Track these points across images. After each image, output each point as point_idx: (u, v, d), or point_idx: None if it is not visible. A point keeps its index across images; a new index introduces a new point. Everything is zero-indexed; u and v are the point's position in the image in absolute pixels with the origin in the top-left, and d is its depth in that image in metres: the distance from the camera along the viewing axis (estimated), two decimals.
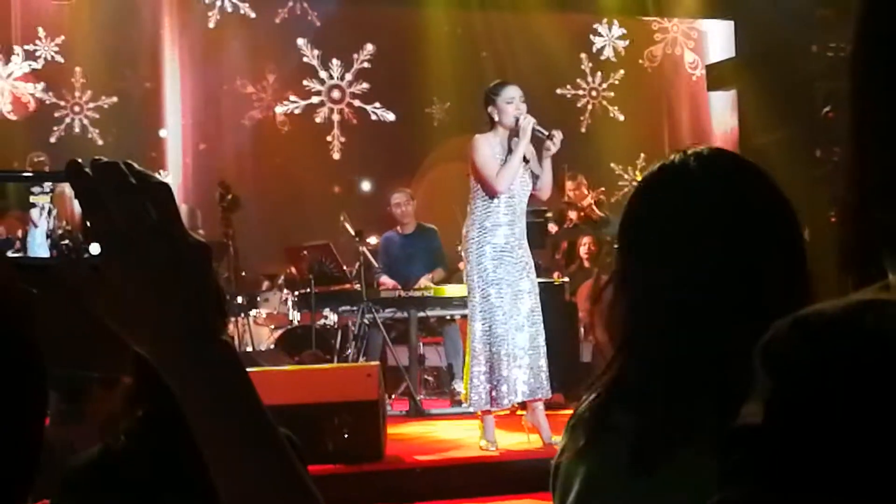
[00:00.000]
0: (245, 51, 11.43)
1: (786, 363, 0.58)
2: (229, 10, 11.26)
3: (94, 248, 0.73)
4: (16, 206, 0.80)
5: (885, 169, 0.63)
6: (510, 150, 5.59)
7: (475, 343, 5.60)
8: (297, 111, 11.63)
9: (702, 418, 1.10)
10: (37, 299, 0.76)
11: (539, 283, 5.93)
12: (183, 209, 7.75)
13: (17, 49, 10.53)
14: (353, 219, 8.58)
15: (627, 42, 12.47)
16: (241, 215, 8.33)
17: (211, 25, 11.22)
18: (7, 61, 10.52)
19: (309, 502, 0.76)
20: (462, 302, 6.08)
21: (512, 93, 5.62)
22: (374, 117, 11.78)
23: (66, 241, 0.77)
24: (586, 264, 9.03)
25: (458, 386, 7.34)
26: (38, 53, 10.61)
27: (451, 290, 7.48)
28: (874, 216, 0.63)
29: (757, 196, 1.31)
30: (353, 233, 8.17)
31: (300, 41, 11.58)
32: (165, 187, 0.75)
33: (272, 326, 9.17)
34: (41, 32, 10.62)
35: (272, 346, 8.57)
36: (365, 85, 11.74)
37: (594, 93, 12.44)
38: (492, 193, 5.58)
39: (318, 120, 11.69)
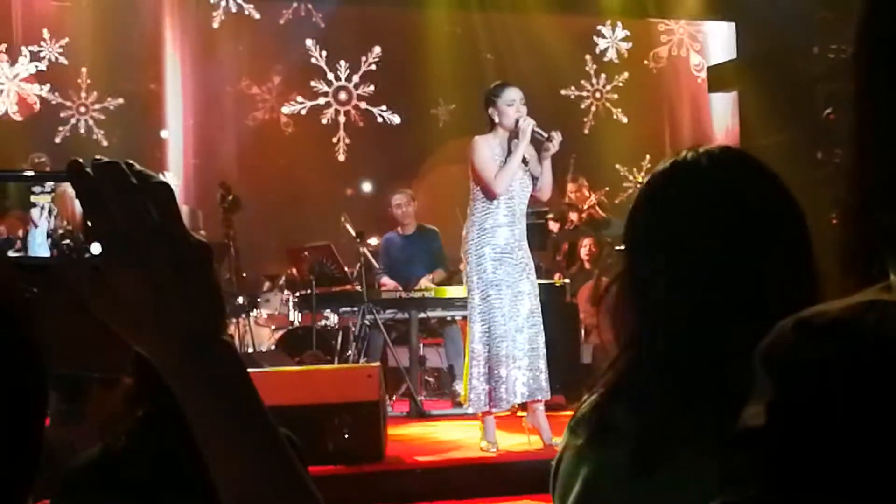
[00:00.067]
0: (249, 52, 11.45)
1: (787, 364, 0.58)
2: (234, 10, 11.27)
3: (95, 248, 0.73)
4: (17, 206, 0.80)
5: (886, 170, 0.63)
6: (510, 152, 5.59)
7: (474, 344, 5.61)
8: (302, 112, 11.63)
9: (704, 419, 1.10)
10: (37, 299, 0.76)
11: (540, 284, 5.93)
12: (184, 210, 7.74)
13: (24, 50, 10.55)
14: (354, 220, 8.59)
15: (630, 44, 12.46)
16: (242, 216, 8.33)
17: (215, 26, 11.23)
18: (13, 62, 10.54)
19: (309, 503, 0.76)
20: (463, 303, 6.08)
21: (512, 95, 5.62)
22: (380, 119, 11.79)
23: (67, 241, 0.77)
24: (587, 266, 9.03)
25: (459, 387, 7.34)
26: (42, 55, 10.62)
27: (452, 291, 7.47)
28: (875, 217, 0.63)
29: (767, 196, 1.31)
30: (353, 234, 8.17)
31: (308, 42, 11.59)
32: (166, 187, 0.75)
33: (273, 327, 9.18)
34: (46, 34, 10.63)
35: (273, 347, 8.57)
36: (371, 87, 11.74)
37: (598, 94, 12.45)
38: (490, 195, 5.58)
39: (323, 121, 11.69)
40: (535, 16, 11.46)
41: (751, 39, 10.93)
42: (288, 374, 5.87)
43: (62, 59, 10.67)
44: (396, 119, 11.81)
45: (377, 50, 11.73)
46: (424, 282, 7.92)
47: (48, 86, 10.65)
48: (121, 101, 10.88)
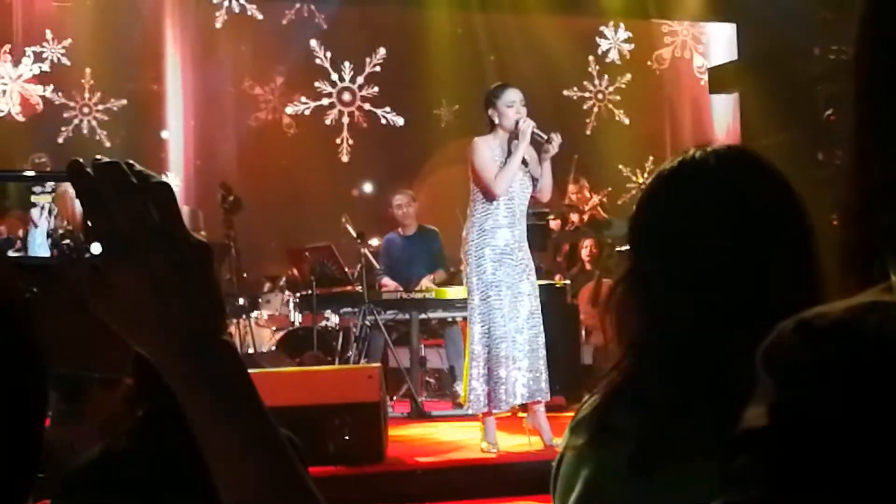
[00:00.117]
0: (251, 52, 11.45)
1: (789, 366, 0.58)
2: (236, 10, 11.27)
3: (95, 248, 0.73)
4: (17, 206, 0.80)
5: (887, 171, 0.63)
6: (510, 153, 5.59)
7: (474, 345, 5.61)
8: (305, 112, 11.63)
9: (705, 419, 1.10)
10: (37, 299, 0.76)
11: (540, 285, 5.93)
12: (184, 210, 7.75)
13: (28, 51, 10.56)
14: (355, 220, 8.59)
15: (633, 46, 12.46)
16: (242, 217, 8.33)
17: (218, 26, 11.23)
18: (17, 63, 10.55)
19: (310, 503, 0.76)
20: (463, 304, 6.08)
21: (512, 96, 5.62)
22: (384, 121, 11.79)
23: (67, 241, 0.77)
24: (588, 267, 9.03)
25: (460, 388, 7.34)
26: (44, 55, 10.63)
27: (453, 292, 7.47)
28: (876, 218, 0.63)
29: (773, 196, 1.30)
30: (354, 234, 8.17)
31: (313, 42, 11.60)
32: (166, 187, 0.75)
33: (273, 328, 9.18)
34: (48, 35, 10.64)
35: (273, 348, 8.57)
36: (375, 89, 11.75)
37: (600, 95, 12.45)
38: (490, 196, 5.58)
39: (327, 122, 11.70)
40: (538, 17, 11.48)
41: (751, 40, 10.93)
42: (288, 374, 5.87)
43: (64, 60, 10.68)
44: (400, 121, 11.81)
45: (382, 51, 11.73)
46: (425, 282, 7.92)
47: (51, 86, 10.66)
48: (124, 102, 10.90)
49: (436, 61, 11.50)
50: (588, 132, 12.29)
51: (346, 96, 11.76)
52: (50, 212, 0.78)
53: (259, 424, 0.75)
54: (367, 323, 7.63)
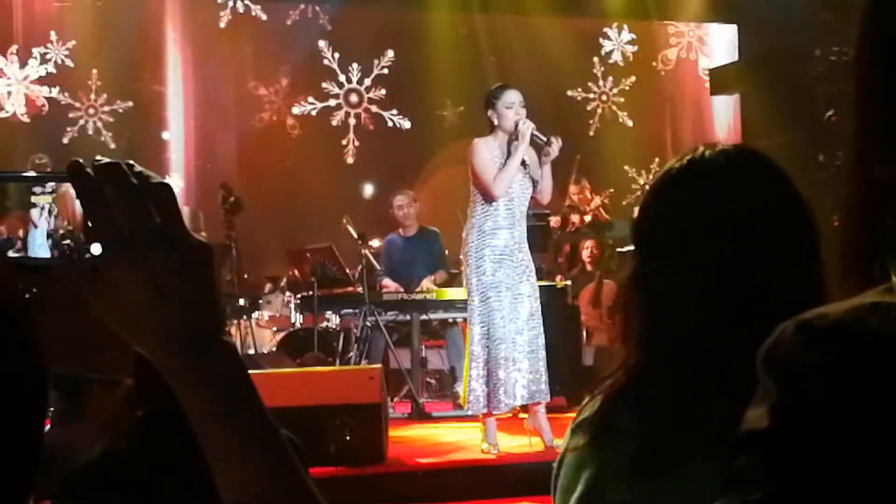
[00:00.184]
0: (256, 53, 11.45)
1: (790, 367, 0.57)
2: (241, 10, 11.28)
3: (96, 249, 0.73)
4: (17, 206, 0.80)
5: (888, 171, 0.63)
6: (510, 154, 5.58)
7: (474, 346, 5.60)
8: (312, 113, 11.63)
9: (708, 421, 1.09)
10: (37, 300, 0.76)
11: (541, 286, 5.92)
12: (185, 211, 7.76)
13: (35, 52, 10.58)
14: (357, 221, 8.59)
15: (636, 48, 12.46)
16: (243, 217, 8.33)
17: (222, 25, 11.24)
18: (23, 64, 10.57)
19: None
20: (464, 305, 6.08)
21: (512, 97, 5.61)
22: (390, 124, 11.80)
23: (68, 242, 0.77)
24: (589, 268, 9.03)
25: (460, 389, 7.34)
26: (48, 56, 10.64)
27: (454, 293, 7.47)
28: (877, 219, 0.63)
29: (780, 197, 1.30)
30: (355, 235, 8.17)
31: (321, 43, 11.60)
32: (167, 188, 0.75)
33: (274, 329, 9.18)
34: (53, 36, 10.65)
35: (274, 349, 8.57)
36: (382, 91, 11.75)
37: (604, 97, 12.45)
38: (489, 197, 5.58)
39: (334, 123, 11.70)
40: (542, 19, 11.49)
41: (752, 41, 10.94)
42: (289, 375, 5.87)
43: (68, 62, 10.69)
44: (407, 124, 11.82)
45: (390, 54, 11.73)
46: (426, 283, 7.92)
47: (57, 88, 10.68)
48: (130, 104, 10.92)
49: (441, 62, 11.50)
50: (591, 133, 12.29)
51: (354, 98, 11.76)
52: (50, 212, 0.78)
53: (259, 425, 0.75)
54: (368, 324, 7.63)
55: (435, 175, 10.56)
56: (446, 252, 8.31)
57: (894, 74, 0.64)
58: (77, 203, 0.74)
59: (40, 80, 10.62)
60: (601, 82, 12.43)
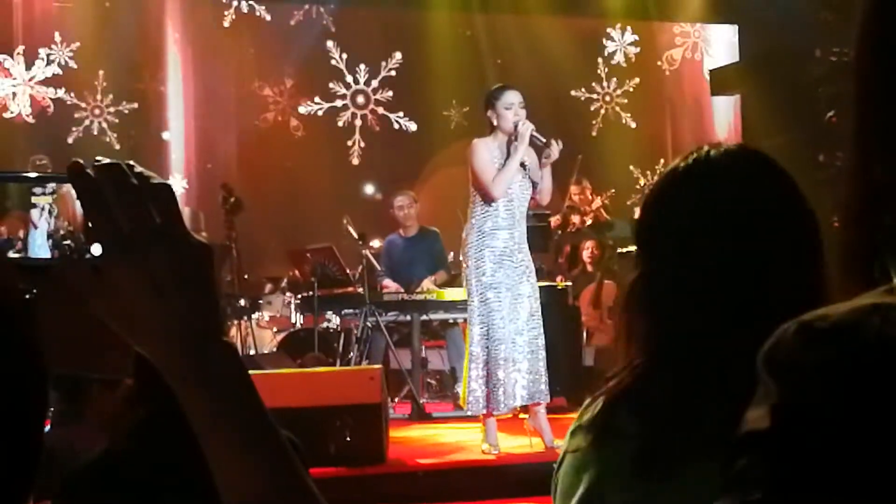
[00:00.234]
0: (259, 53, 11.45)
1: (790, 367, 0.57)
2: (245, 10, 11.27)
3: (96, 249, 0.73)
4: (17, 207, 0.80)
5: (889, 172, 0.63)
6: (509, 155, 5.58)
7: (473, 347, 5.60)
8: (318, 113, 11.63)
9: (710, 422, 1.09)
10: (37, 300, 0.76)
11: (542, 287, 5.92)
12: (185, 212, 7.78)
13: (41, 52, 10.59)
14: (358, 222, 8.59)
15: (639, 49, 12.45)
16: (244, 218, 8.33)
17: (226, 25, 11.24)
18: (30, 66, 10.58)
19: None
20: (464, 305, 6.09)
21: (511, 98, 5.61)
22: (396, 126, 11.79)
23: (68, 242, 0.77)
24: (589, 268, 9.03)
25: (461, 389, 7.34)
26: (53, 58, 10.65)
27: (454, 294, 7.47)
28: (878, 219, 0.63)
29: (783, 198, 1.29)
30: (356, 236, 8.17)
31: (329, 43, 11.60)
32: (167, 188, 0.75)
33: (275, 329, 9.18)
34: (57, 37, 10.66)
35: (274, 349, 8.57)
36: (390, 93, 11.75)
37: (608, 97, 12.45)
38: (488, 198, 5.58)
39: (339, 124, 11.70)
40: (546, 19, 11.51)
41: (753, 42, 10.94)
42: (290, 376, 5.87)
43: (72, 63, 10.70)
44: (413, 126, 11.82)
45: (398, 56, 11.73)
46: (426, 284, 7.92)
47: (62, 89, 10.70)
48: (135, 105, 10.94)
49: (446, 63, 11.51)
50: (594, 133, 12.29)
51: (360, 99, 11.76)
52: (50, 213, 0.78)
53: (259, 425, 0.75)
54: (369, 324, 7.63)
55: (436, 175, 10.56)
56: (449, 253, 8.31)
57: (894, 75, 0.64)
58: (77, 204, 0.74)
59: (45, 81, 10.64)
60: (605, 83, 12.44)
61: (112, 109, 10.91)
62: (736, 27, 11.85)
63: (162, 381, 0.74)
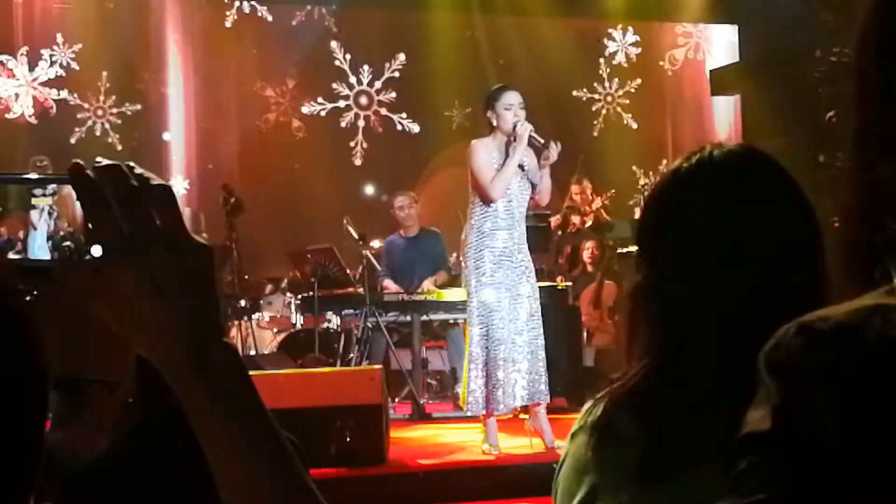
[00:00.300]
0: (263, 54, 11.45)
1: (791, 369, 0.57)
2: (247, 10, 11.28)
3: (96, 251, 0.73)
4: (18, 208, 0.80)
5: (889, 173, 0.63)
6: (508, 156, 5.58)
7: (473, 347, 5.60)
8: (318, 114, 11.62)
9: (714, 425, 1.09)
10: (38, 301, 0.76)
11: (542, 287, 5.92)
12: (186, 213, 7.77)
13: (44, 54, 10.60)
14: (363, 223, 8.59)
15: (640, 49, 12.45)
16: (244, 218, 8.33)
17: (228, 25, 11.24)
18: (33, 67, 10.59)
19: None
20: (465, 306, 6.09)
21: (511, 99, 5.61)
22: (399, 127, 11.79)
23: (68, 243, 0.77)
24: (589, 269, 9.03)
25: (461, 390, 7.34)
26: (55, 59, 10.66)
27: (455, 294, 7.47)
28: (878, 220, 0.63)
29: (788, 197, 1.29)
30: (356, 236, 8.17)
31: (333, 44, 11.60)
32: (167, 189, 0.75)
33: (275, 330, 9.18)
34: (59, 38, 10.67)
35: (275, 350, 8.57)
36: (393, 94, 11.75)
37: (609, 98, 12.45)
38: (487, 199, 5.58)
39: (342, 124, 11.70)
40: (547, 20, 11.52)
41: (753, 42, 10.94)
42: (290, 376, 5.86)
43: (74, 65, 10.71)
44: (416, 128, 11.82)
45: (401, 57, 11.73)
46: (427, 284, 7.92)
47: (66, 90, 10.70)
48: (138, 107, 10.94)
49: (448, 64, 11.50)
50: (595, 133, 12.29)
51: (364, 100, 11.76)
52: (50, 214, 0.78)
53: (260, 425, 0.75)
54: (369, 325, 7.63)
55: (437, 176, 10.56)
56: (452, 254, 8.31)
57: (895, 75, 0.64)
58: (77, 205, 0.74)
59: (48, 82, 10.65)
60: (606, 83, 12.44)
61: (115, 111, 10.91)
62: (736, 27, 11.84)
63: (162, 382, 0.74)
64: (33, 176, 0.79)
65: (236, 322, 8.18)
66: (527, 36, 11.73)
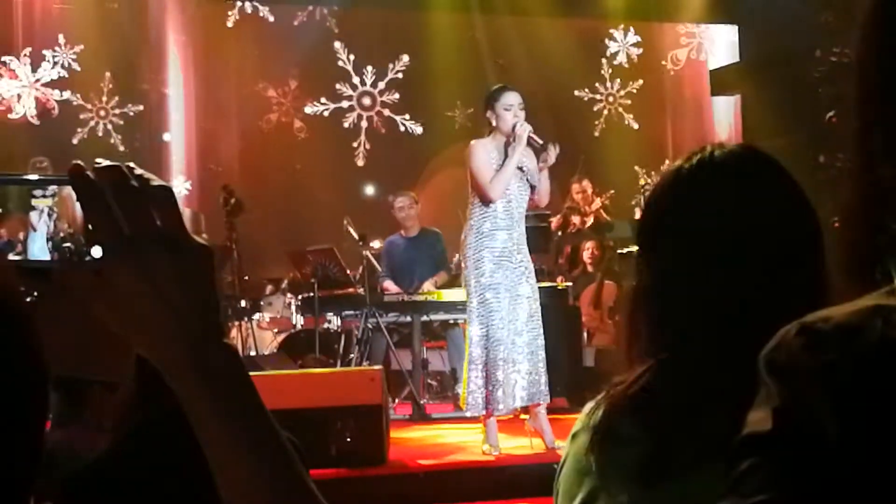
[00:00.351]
0: (264, 54, 11.45)
1: (792, 369, 0.57)
2: (248, 10, 11.28)
3: (96, 252, 0.73)
4: (18, 209, 0.80)
5: (890, 173, 0.63)
6: (507, 156, 5.58)
7: (473, 348, 5.60)
8: (321, 114, 11.62)
9: (715, 425, 1.09)
10: (38, 302, 0.76)
11: (542, 287, 5.92)
12: (186, 214, 7.77)
13: (47, 55, 10.61)
14: (364, 223, 8.59)
15: (641, 50, 12.45)
16: (244, 219, 8.33)
17: (229, 25, 11.24)
18: (35, 67, 10.60)
19: None
20: (465, 306, 6.09)
21: (511, 99, 5.61)
22: (402, 128, 11.79)
23: (68, 245, 0.77)
24: (590, 269, 9.03)
25: (461, 390, 7.34)
26: (56, 59, 10.67)
27: (455, 295, 7.47)
28: (879, 221, 0.63)
29: (789, 197, 1.29)
30: (356, 237, 8.17)
31: (336, 44, 11.60)
32: (167, 190, 0.75)
33: (275, 330, 9.17)
34: (61, 39, 10.67)
35: (275, 350, 8.57)
36: (396, 95, 11.75)
37: (611, 98, 12.46)
38: (486, 200, 5.58)
39: (346, 125, 11.69)
40: (549, 21, 11.53)
41: (753, 42, 10.93)
42: (290, 377, 5.86)
43: (75, 66, 10.71)
44: (419, 129, 11.81)
45: (405, 58, 11.72)
46: (427, 285, 7.92)
47: (68, 91, 10.71)
48: (141, 107, 10.94)
49: (450, 64, 11.50)
50: (596, 133, 12.29)
51: (367, 101, 11.76)
52: (49, 215, 0.78)
53: (260, 426, 0.75)
54: (369, 325, 7.63)
55: (439, 176, 10.56)
56: (453, 254, 8.31)
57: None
58: (77, 206, 0.74)
59: (51, 83, 10.66)
60: (608, 84, 12.44)
61: (117, 111, 10.92)
62: (736, 27, 11.84)
63: (162, 382, 0.74)
64: (33, 177, 0.79)
65: (236, 323, 8.18)
66: (529, 36, 11.73)
